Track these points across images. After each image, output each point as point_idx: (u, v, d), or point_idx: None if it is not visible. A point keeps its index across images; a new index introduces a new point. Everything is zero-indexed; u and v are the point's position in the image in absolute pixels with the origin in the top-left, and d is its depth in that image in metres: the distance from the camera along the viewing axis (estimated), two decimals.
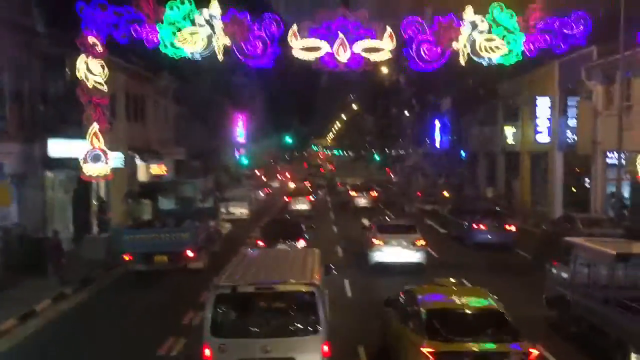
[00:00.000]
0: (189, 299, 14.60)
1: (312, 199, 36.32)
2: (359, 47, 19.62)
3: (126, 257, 17.51)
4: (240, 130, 57.28)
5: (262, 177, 58.81)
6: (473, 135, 41.71)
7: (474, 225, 23.00)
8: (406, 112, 69.03)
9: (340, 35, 19.54)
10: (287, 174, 69.36)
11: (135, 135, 28.24)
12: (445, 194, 36.69)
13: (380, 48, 19.75)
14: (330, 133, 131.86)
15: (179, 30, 19.38)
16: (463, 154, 44.85)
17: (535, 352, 8.13)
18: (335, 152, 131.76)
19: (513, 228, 23.06)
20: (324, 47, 19.61)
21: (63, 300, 15.29)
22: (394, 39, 19.73)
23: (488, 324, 8.55)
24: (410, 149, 66.11)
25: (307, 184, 46.90)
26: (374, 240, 18.97)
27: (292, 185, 47.34)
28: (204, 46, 19.52)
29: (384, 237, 18.87)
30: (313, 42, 19.68)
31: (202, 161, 41.19)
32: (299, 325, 8.31)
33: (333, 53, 19.57)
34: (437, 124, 50.45)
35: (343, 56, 19.59)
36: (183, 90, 35.58)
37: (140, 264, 17.47)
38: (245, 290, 8.37)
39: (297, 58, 19.80)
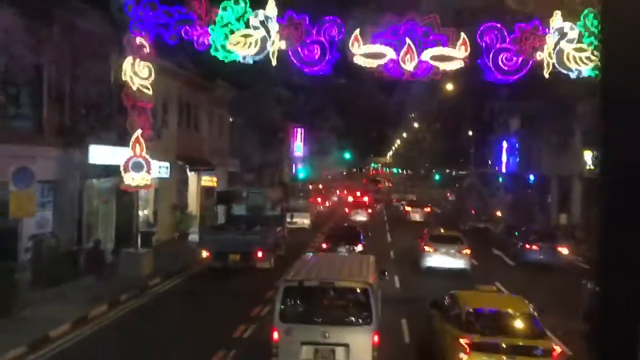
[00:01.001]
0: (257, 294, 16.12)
1: (370, 212, 39.18)
2: (428, 54, 17.31)
3: (204, 254, 19.63)
4: (298, 144, 55.66)
5: (321, 191, 57.08)
6: (544, 158, 38.33)
7: (527, 245, 23.54)
8: (470, 132, 65.74)
9: (408, 41, 17.30)
10: (345, 189, 67.81)
11: (186, 145, 26.79)
12: (498, 213, 37.73)
13: (452, 56, 17.36)
14: (390, 151, 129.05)
15: (232, 32, 17.66)
16: (532, 177, 41.42)
17: (558, 349, 9.48)
18: (394, 170, 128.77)
19: (565, 250, 23.14)
20: (389, 53, 17.41)
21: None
22: (468, 46, 17.31)
23: (519, 323, 9.92)
24: (470, 169, 63.35)
25: (366, 198, 48.76)
26: (426, 247, 21.29)
27: (350, 199, 49.22)
28: (258, 50, 17.69)
29: (435, 245, 21.04)
30: (377, 48, 17.51)
31: (256, 174, 39.58)
32: (354, 317, 9.41)
33: (399, 60, 17.36)
34: (505, 144, 47.13)
35: (410, 64, 17.31)
36: (239, 100, 34.08)
37: (217, 261, 19.48)
38: (310, 284, 9.62)
39: (358, 65, 17.70)
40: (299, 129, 55.18)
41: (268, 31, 17.55)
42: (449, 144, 75.67)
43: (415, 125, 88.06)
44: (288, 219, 27.35)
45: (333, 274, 10.23)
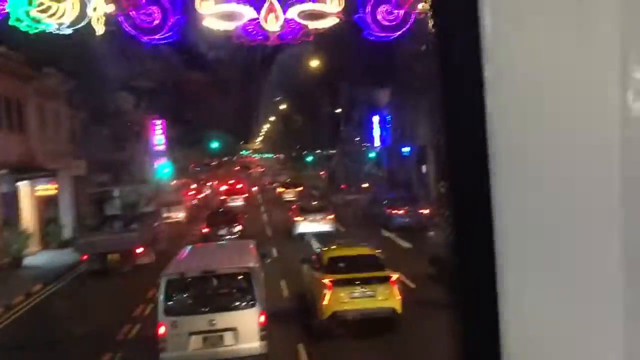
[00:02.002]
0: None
1: (245, 196, 40.75)
2: (295, 11, 14.11)
3: (83, 257, 19.23)
4: (158, 138, 50.30)
5: (191, 183, 52.90)
6: (420, 129, 37.05)
7: (393, 211, 25.22)
8: (337, 110, 64.56)
9: None
10: (217, 179, 64.29)
11: (7, 150, 21.43)
12: (364, 185, 40.82)
13: (324, 12, 14.30)
14: (260, 137, 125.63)
15: None
16: (408, 149, 40.23)
17: (395, 275, 12.08)
18: (266, 155, 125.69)
19: (427, 211, 24.88)
20: (247, 13, 13.97)
21: None
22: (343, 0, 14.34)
23: (366, 263, 12.45)
24: (340, 147, 62.81)
25: (239, 184, 49.25)
26: (295, 217, 24.41)
27: (224, 187, 49.61)
28: (76, 17, 13.41)
29: (303, 215, 24.19)
30: (232, 7, 13.99)
31: (110, 175, 34.33)
32: (238, 301, 9.56)
33: (259, 21, 13.98)
34: (376, 119, 45.69)
35: (274, 24, 13.99)
36: (79, 91, 28.75)
37: (95, 262, 18.93)
38: (191, 275, 9.79)
39: (209, 29, 14.06)
40: (157, 121, 49.79)
41: None
42: (317, 123, 74.14)
43: (283, 107, 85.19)
44: (164, 214, 27.44)
45: (214, 263, 10.36)
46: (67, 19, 13.25)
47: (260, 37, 13.95)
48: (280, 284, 15.26)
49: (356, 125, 55.69)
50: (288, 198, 39.56)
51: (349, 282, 11.72)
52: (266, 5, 13.86)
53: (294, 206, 26.81)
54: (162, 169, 51.91)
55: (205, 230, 22.63)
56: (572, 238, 1.09)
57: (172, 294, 9.48)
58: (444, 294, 10.01)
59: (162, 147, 50.81)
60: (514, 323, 1.12)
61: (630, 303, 1.06)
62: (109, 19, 13.61)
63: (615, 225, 1.06)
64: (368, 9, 14.09)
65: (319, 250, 14.29)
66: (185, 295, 9.66)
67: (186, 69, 48.43)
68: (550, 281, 1.10)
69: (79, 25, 13.40)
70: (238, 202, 38.02)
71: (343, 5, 14.18)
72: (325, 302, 11.52)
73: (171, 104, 55.93)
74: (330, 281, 11.67)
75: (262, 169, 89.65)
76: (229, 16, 13.84)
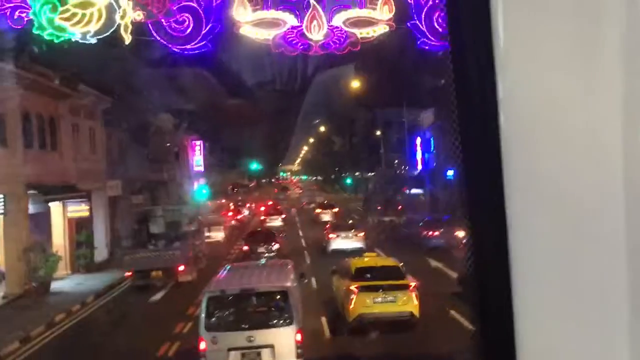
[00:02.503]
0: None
1: (284, 217, 41.04)
2: (340, 18, 12.60)
3: (127, 274, 19.91)
4: (197, 159, 49.47)
5: (230, 205, 52.02)
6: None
7: (429, 233, 25.64)
8: (377, 132, 63.28)
9: (313, 1, 12.53)
10: (255, 201, 63.54)
11: (41, 169, 20.47)
12: (400, 207, 41.20)
13: (373, 19, 12.73)
14: (298, 158, 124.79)
15: (63, 0, 12.09)
16: (452, 172, 38.20)
17: (413, 283, 13.40)
18: (303, 177, 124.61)
19: (462, 234, 24.20)
20: (289, 20, 12.53)
21: None
22: (393, 5, 12.76)
23: (388, 273, 13.94)
24: (379, 170, 61.69)
25: (277, 205, 49.46)
26: (329, 235, 26.11)
27: (262, 208, 49.53)
28: (103, 24, 12.22)
29: (336, 232, 25.99)
30: (271, 13, 12.59)
31: (147, 195, 33.40)
32: (276, 319, 9.75)
33: (302, 28, 12.51)
34: (419, 141, 43.85)
35: (317, 32, 12.50)
36: (117, 110, 27.92)
37: (139, 279, 19.53)
38: (231, 292, 9.99)
39: (246, 38, 12.65)
40: (197, 142, 49.03)
41: None
42: (357, 146, 72.70)
43: (322, 129, 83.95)
44: (205, 234, 27.77)
45: (253, 281, 10.57)
46: (93, 27, 12.06)
47: (302, 47, 12.45)
48: (315, 291, 16.69)
49: (397, 148, 54.37)
50: (325, 219, 39.71)
51: (373, 289, 13.19)
52: (309, 12, 12.41)
53: (328, 225, 28.71)
54: (201, 189, 51.03)
55: (245, 248, 23.71)
56: (581, 260, 1.12)
57: (212, 310, 9.70)
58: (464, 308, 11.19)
59: (200, 168, 49.98)
60: (528, 340, 1.14)
61: (636, 326, 1.07)
62: (139, 28, 12.37)
63: (621, 247, 1.09)
64: (423, 15, 12.47)
65: (347, 259, 15.69)
66: (225, 312, 9.85)
67: (225, 89, 47.88)
68: (562, 300, 1.13)
69: (106, 34, 12.19)
70: (276, 222, 38.34)
71: (394, 11, 12.61)
72: (352, 306, 13.06)
73: (210, 125, 55.40)
74: (357, 287, 13.19)
75: (301, 191, 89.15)
76: (269, 24, 12.43)
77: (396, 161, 57.08)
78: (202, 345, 9.37)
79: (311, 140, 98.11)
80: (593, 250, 1.11)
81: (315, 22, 12.36)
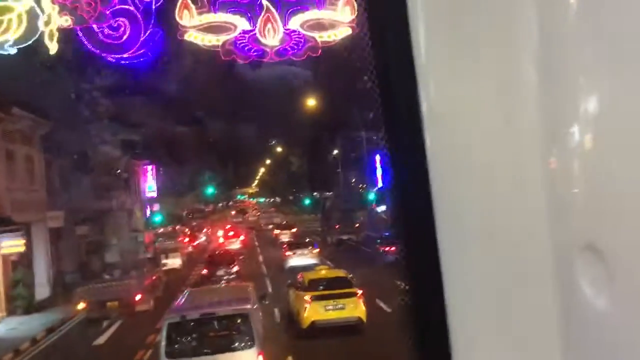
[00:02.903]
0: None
1: (242, 239, 41.33)
2: (298, 21, 11.28)
3: (81, 306, 18.85)
4: (150, 184, 47.12)
5: (186, 231, 50.44)
6: None
7: (386, 249, 25.47)
8: (335, 151, 62.75)
9: (266, 3, 11.16)
10: (213, 225, 61.76)
11: None
12: (357, 225, 42.21)
13: (335, 22, 11.46)
14: (255, 181, 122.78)
15: None
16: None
17: (360, 292, 14.81)
18: (261, 199, 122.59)
19: None
20: (240, 24, 11.13)
21: None
22: (355, 6, 11.51)
23: (338, 283, 15.42)
24: (336, 189, 61.03)
25: (236, 229, 48.94)
26: (286, 253, 27.45)
27: (221, 232, 49.23)
28: (24, 32, 10.53)
29: (292, 250, 27.30)
30: (220, 17, 11.15)
31: (94, 225, 31.09)
32: (237, 342, 9.69)
33: (255, 33, 11.12)
34: (378, 158, 42.88)
35: (272, 37, 11.13)
36: (57, 135, 25.79)
37: (94, 311, 18.68)
38: (192, 317, 9.87)
39: (193, 45, 11.15)
40: (149, 167, 46.74)
41: (39, 1, 10.47)
42: (315, 166, 71.63)
43: (279, 149, 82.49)
44: (162, 261, 27.71)
45: (213, 305, 10.47)
46: (12, 36, 10.35)
47: (255, 53, 11.04)
48: (274, 309, 17.18)
49: (355, 166, 53.89)
50: (284, 239, 40.01)
51: (324, 298, 14.52)
52: (263, 14, 11.04)
53: (285, 245, 29.95)
54: (155, 216, 48.70)
55: (204, 271, 23.72)
56: (511, 284, 1.14)
57: (172, 336, 9.59)
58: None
59: (153, 194, 47.65)
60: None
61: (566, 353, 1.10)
62: (67, 35, 10.72)
63: (549, 278, 1.10)
64: None
65: (301, 275, 16.76)
66: (185, 338, 9.72)
67: (175, 111, 46.24)
68: (496, 321, 1.15)
69: (28, 43, 10.48)
70: (235, 245, 38.47)
71: (356, 12, 11.36)
72: (305, 314, 14.37)
73: (162, 149, 53.27)
74: (310, 297, 14.55)
75: (259, 213, 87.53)
76: (217, 28, 10.99)
77: (354, 179, 57.49)
78: None
79: (268, 161, 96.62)
80: (521, 270, 1.12)
81: (269, 25, 11.00)
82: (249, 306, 10.31)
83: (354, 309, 14.33)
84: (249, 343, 9.54)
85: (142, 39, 10.65)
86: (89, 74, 21.37)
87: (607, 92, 0.99)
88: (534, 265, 1.11)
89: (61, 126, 25.98)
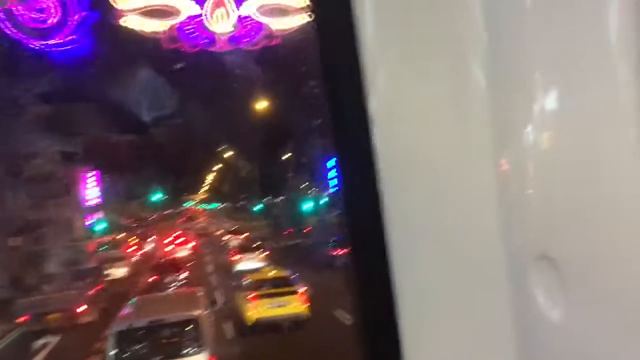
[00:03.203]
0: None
1: (192, 246, 41.12)
2: (252, 6, 10.14)
3: (22, 319, 18.13)
4: (91, 191, 44.47)
5: (132, 239, 49.22)
6: None
7: (335, 252, 25.88)
8: (287, 155, 61.85)
9: None
10: (160, 232, 59.90)
11: None
12: (307, 230, 42.80)
13: (289, 8, 10.34)
14: (206, 186, 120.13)
15: None
16: None
17: (301, 290, 16.10)
18: (212, 205, 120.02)
19: None
20: (186, 7, 9.90)
21: None
22: None
23: (280, 282, 16.61)
24: (287, 194, 60.28)
25: (183, 236, 48.75)
26: (234, 257, 28.41)
27: (168, 240, 47.97)
28: None
29: (241, 254, 28.30)
30: (163, 0, 9.86)
31: (30, 236, 28.84)
32: (188, 348, 9.67)
33: (203, 19, 9.87)
34: (331, 163, 42.02)
35: (223, 23, 9.93)
36: None
37: (36, 323, 17.83)
38: (140, 325, 9.79)
39: (131, 31, 9.79)
40: (90, 173, 44.10)
41: None
42: (266, 171, 70.34)
43: (228, 154, 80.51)
44: (105, 272, 26.99)
45: (161, 312, 10.41)
46: None
47: (203, 41, 9.81)
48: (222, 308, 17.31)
49: (307, 171, 53.45)
50: (234, 245, 40.27)
51: (267, 296, 15.38)
52: None
53: (233, 250, 31.09)
54: (97, 225, 46.16)
55: (152, 279, 23.39)
56: (464, 288, 1.11)
57: (121, 345, 9.43)
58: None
59: (95, 202, 45.01)
60: None
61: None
62: None
63: (502, 286, 1.08)
64: None
65: (246, 276, 18.10)
66: (134, 346, 9.53)
67: (116, 117, 44.17)
68: (449, 327, 1.13)
69: None
70: (183, 252, 38.05)
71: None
72: (249, 312, 15.21)
73: (104, 157, 50.77)
74: (252, 297, 15.47)
75: (208, 219, 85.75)
76: (160, 12, 9.71)
77: (305, 184, 56.69)
78: None
79: (217, 166, 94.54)
80: (474, 277, 1.10)
81: (220, 10, 9.82)
82: (198, 312, 10.31)
83: (296, 306, 15.47)
84: (200, 348, 9.60)
85: (72, 22, 9.23)
86: (16, 70, 19.54)
87: (559, 91, 0.96)
88: (486, 272, 1.09)
89: None
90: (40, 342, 17.12)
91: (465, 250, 1.09)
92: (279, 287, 16.03)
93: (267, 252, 29.02)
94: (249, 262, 26.72)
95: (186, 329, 9.87)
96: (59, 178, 36.34)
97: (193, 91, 47.52)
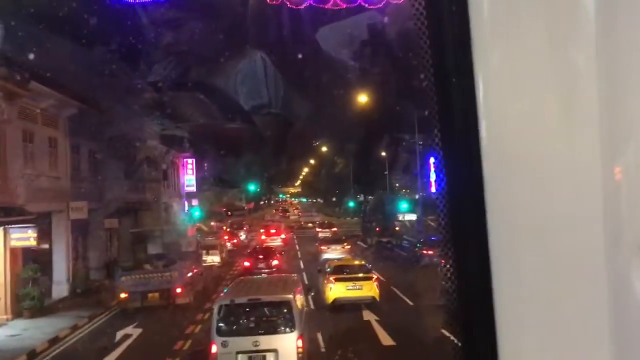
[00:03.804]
0: None
1: (284, 237, 41.75)
2: None
3: (122, 295, 18.66)
4: (189, 178, 44.43)
5: (226, 228, 48.62)
6: None
7: (424, 252, 26.18)
8: (383, 153, 59.85)
9: None
10: (253, 223, 59.05)
11: None
12: (397, 229, 42.56)
13: None
14: (298, 180, 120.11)
15: None
16: None
17: (375, 276, 18.61)
18: (304, 199, 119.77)
19: None
20: None
21: None
22: None
23: (357, 269, 19.00)
24: (378, 193, 58.77)
25: (276, 227, 48.28)
26: (321, 247, 31.05)
27: (262, 230, 47.15)
28: None
29: (327, 245, 31.13)
30: None
31: (129, 218, 28.45)
32: (280, 326, 10.59)
33: None
34: (432, 160, 39.10)
35: None
36: (88, 118, 23.13)
37: (135, 300, 18.58)
38: (240, 301, 10.85)
39: None
40: (189, 160, 44.06)
41: None
42: (362, 167, 68.33)
43: (324, 149, 79.08)
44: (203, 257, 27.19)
45: (260, 292, 11.49)
46: None
47: None
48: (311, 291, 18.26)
49: (406, 168, 51.00)
50: (323, 235, 41.46)
51: (345, 280, 17.67)
52: None
53: (321, 241, 33.02)
54: (193, 211, 46.10)
55: (246, 264, 25.13)
56: (564, 293, 1.11)
57: (223, 317, 10.49)
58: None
59: (192, 189, 44.92)
60: None
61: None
62: None
63: (601, 279, 1.07)
64: None
65: (329, 263, 20.34)
66: (234, 319, 10.55)
67: (223, 107, 43.75)
68: (546, 333, 1.12)
69: None
70: (276, 242, 38.72)
71: None
72: (330, 293, 17.50)
73: (207, 144, 50.72)
74: (334, 278, 17.67)
75: (300, 213, 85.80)
76: None
77: (398, 183, 57.18)
78: (214, 349, 10.13)
79: (312, 161, 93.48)
80: (574, 279, 1.09)
81: None
82: (291, 295, 11.00)
83: (370, 290, 17.51)
84: (290, 327, 10.35)
85: None
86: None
87: None
88: (587, 266, 1.08)
89: (94, 108, 23.34)
90: (122, 332, 15.99)
91: (566, 244, 1.07)
92: (356, 273, 18.25)
93: (350, 246, 31.08)
94: (333, 252, 28.81)
95: (280, 310, 10.65)
96: (159, 162, 36.20)
97: (300, 81, 46.29)
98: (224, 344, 10.06)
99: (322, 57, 30.34)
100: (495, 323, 1.12)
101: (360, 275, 18.10)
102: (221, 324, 10.35)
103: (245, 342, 10.17)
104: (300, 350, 10.26)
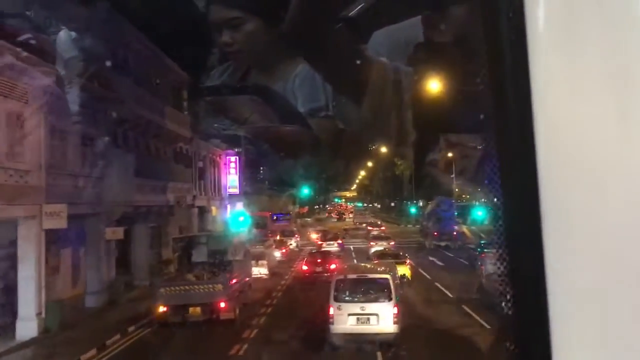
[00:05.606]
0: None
1: (341, 242, 39.98)
2: None
3: (160, 309, 16.43)
4: (232, 178, 37.50)
5: (274, 235, 41.45)
6: None
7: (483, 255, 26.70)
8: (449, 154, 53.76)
9: None
10: (306, 228, 54.16)
11: None
12: (454, 233, 42.83)
13: None
14: (354, 184, 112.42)
15: None
16: None
17: (408, 260, 23.18)
18: (360, 204, 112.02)
19: None
20: None
21: None
22: None
23: (394, 254, 23.71)
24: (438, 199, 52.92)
25: (332, 233, 45.10)
26: (370, 243, 35.31)
27: (316, 235, 44.97)
28: None
29: (374, 241, 35.33)
30: None
31: (140, 227, 21.68)
32: (380, 297, 13.12)
33: None
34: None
35: None
36: (75, 88, 16.32)
37: (175, 315, 16.57)
38: (351, 277, 13.67)
39: None
40: (232, 157, 37.14)
41: None
42: (423, 171, 60.87)
43: (383, 150, 71.00)
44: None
45: (366, 272, 14.73)
46: None
47: None
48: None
49: (463, 173, 49.86)
50: (375, 234, 42.79)
51: (385, 259, 21.73)
52: None
53: (371, 239, 36.98)
54: (237, 217, 39.09)
55: (304, 267, 25.99)
56: (619, 297, 1.09)
57: (339, 289, 13.10)
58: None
59: (235, 190, 37.98)
60: None
61: None
62: None
63: None
64: None
65: (375, 251, 26.69)
66: (347, 289, 13.20)
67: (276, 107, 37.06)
68: (599, 340, 1.10)
69: None
70: (333, 247, 36.81)
71: None
72: None
73: (262, 145, 43.99)
74: (376, 262, 20.46)
75: (357, 218, 79.48)
76: None
77: (457, 190, 54.79)
78: (331, 311, 12.80)
79: (370, 164, 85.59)
80: (630, 284, 1.07)
81: None
82: (389, 275, 13.70)
83: (404, 270, 20.75)
84: (389, 299, 12.92)
85: None
86: None
87: None
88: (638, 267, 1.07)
89: (90, 76, 16.56)
90: None
91: (622, 248, 1.05)
92: (393, 258, 21.65)
93: (393, 242, 34.87)
94: (380, 247, 31.59)
95: (381, 285, 13.19)
96: (197, 159, 29.52)
97: (352, 84, 39.87)
98: (339, 308, 12.79)
99: (376, 60, 27.48)
100: (549, 328, 1.10)
101: (396, 260, 21.27)
102: (336, 293, 13.00)
103: (355, 307, 12.89)
104: (395, 315, 12.82)
